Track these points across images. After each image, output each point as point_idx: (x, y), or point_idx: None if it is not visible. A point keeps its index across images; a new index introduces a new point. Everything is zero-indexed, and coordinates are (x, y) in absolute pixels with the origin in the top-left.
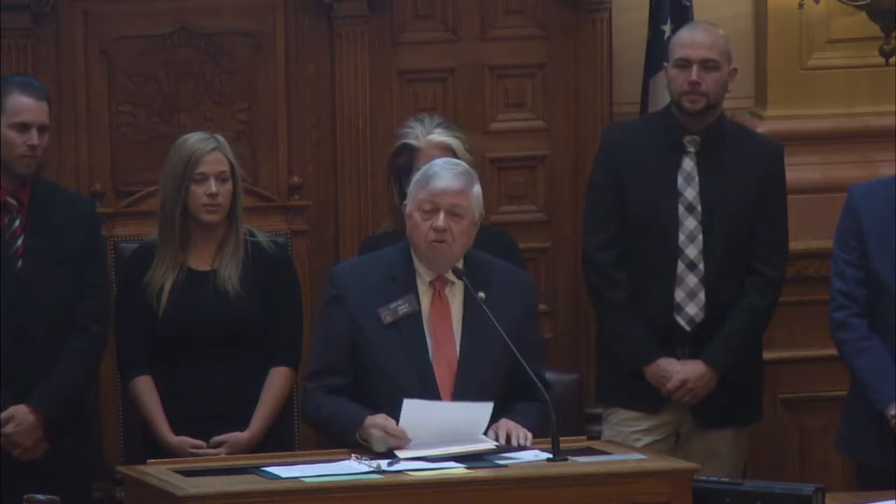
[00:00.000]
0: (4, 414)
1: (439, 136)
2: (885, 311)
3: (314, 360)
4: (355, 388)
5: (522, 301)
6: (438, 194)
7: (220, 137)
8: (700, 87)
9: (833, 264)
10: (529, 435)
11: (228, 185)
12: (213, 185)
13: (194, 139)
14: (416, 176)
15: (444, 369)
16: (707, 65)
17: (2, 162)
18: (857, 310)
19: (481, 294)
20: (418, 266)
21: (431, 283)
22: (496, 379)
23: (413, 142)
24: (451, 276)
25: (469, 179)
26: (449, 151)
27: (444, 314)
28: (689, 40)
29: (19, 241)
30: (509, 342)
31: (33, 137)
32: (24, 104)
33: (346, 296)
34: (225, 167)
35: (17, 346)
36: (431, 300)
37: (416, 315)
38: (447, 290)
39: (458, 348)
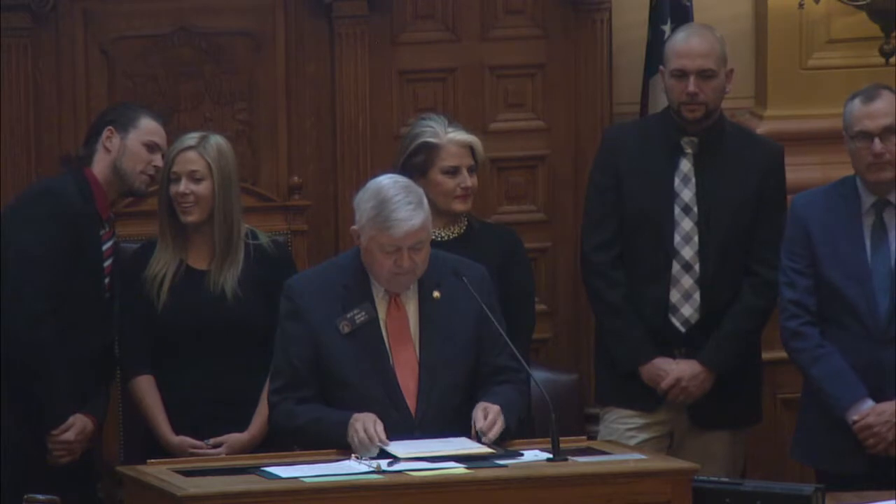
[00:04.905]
0: (67, 422)
1: (459, 134)
2: (840, 317)
3: (277, 375)
4: (321, 399)
5: (481, 291)
6: (402, 238)
7: (213, 138)
8: (698, 97)
9: (782, 274)
10: (497, 410)
11: (205, 185)
12: (182, 185)
13: (180, 139)
14: (367, 208)
15: (406, 374)
16: (704, 74)
17: (122, 174)
18: (810, 318)
19: (436, 293)
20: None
21: (387, 290)
22: (459, 379)
23: (433, 140)
24: None
25: (422, 203)
26: (469, 149)
27: (401, 319)
28: (685, 49)
29: (109, 261)
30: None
31: (158, 159)
32: (155, 127)
33: (303, 309)
34: (197, 166)
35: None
36: (388, 306)
37: (373, 323)
38: (402, 295)
39: (417, 352)
